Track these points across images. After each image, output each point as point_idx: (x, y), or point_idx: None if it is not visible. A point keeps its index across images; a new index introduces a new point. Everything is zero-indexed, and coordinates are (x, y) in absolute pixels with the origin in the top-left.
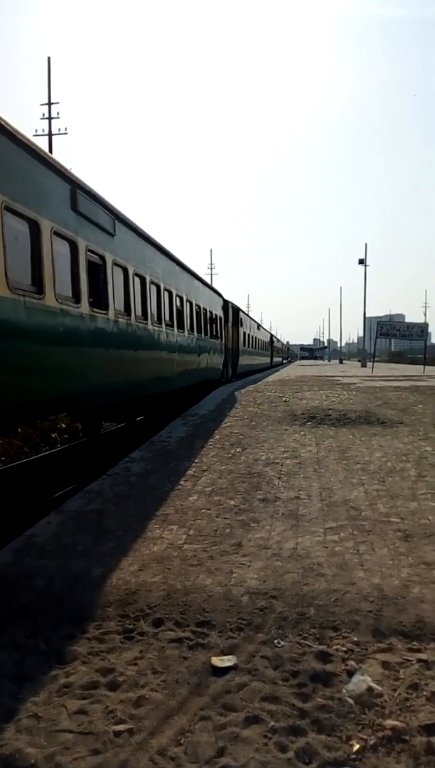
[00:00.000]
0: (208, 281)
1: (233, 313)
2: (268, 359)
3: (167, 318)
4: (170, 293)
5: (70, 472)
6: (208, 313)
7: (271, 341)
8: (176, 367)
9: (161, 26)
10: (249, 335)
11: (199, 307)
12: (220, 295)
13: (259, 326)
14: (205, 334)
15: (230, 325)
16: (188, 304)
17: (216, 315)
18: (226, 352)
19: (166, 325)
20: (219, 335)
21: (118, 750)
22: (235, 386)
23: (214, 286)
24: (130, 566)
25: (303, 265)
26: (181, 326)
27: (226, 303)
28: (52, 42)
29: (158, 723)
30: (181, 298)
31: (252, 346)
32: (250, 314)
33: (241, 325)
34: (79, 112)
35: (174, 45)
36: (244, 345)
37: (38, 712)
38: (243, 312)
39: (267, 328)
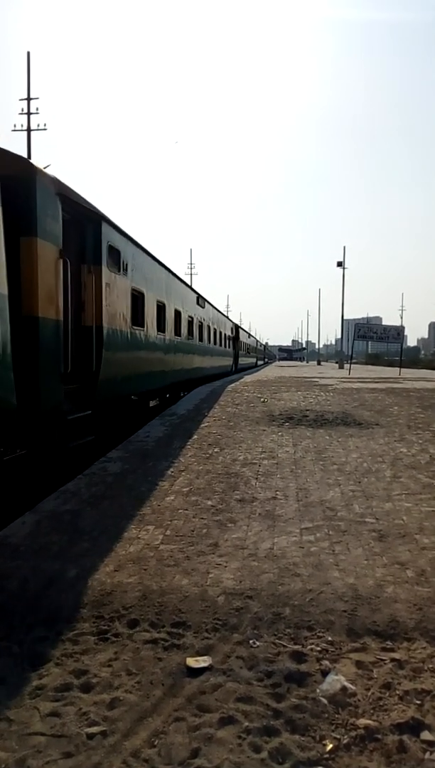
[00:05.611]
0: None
1: (99, 241)
2: (228, 360)
3: None
4: None
5: None
6: None
7: (236, 335)
8: None
9: (130, 29)
10: (169, 307)
11: None
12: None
13: (200, 299)
14: None
15: (88, 270)
16: None
17: None
18: (44, 345)
19: None
20: None
21: (90, 752)
22: (212, 386)
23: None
24: (105, 567)
25: (283, 268)
26: None
27: (51, 186)
28: (34, 37)
29: (132, 725)
30: None
31: (183, 333)
32: (226, 311)
33: (124, 272)
34: (58, 111)
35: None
36: (149, 326)
37: (10, 715)
38: (136, 244)
39: (250, 331)
